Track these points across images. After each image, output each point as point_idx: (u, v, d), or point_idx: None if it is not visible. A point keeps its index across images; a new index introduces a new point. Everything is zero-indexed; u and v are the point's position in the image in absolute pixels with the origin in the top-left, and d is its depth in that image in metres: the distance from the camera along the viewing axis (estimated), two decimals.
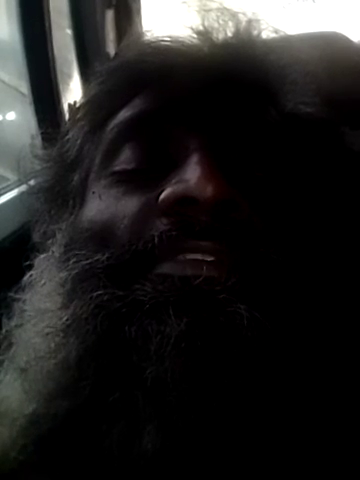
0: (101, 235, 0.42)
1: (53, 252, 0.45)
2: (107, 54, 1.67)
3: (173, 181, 0.42)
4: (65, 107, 1.29)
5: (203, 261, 0.39)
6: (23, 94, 1.29)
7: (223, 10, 0.48)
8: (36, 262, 0.48)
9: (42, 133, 0.57)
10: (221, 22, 0.48)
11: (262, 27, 0.49)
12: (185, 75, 0.45)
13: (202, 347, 0.36)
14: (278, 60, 0.47)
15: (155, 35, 0.49)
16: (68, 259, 0.42)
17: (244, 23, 0.48)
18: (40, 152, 0.54)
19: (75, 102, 0.63)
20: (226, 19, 0.48)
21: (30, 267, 0.48)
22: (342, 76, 0.56)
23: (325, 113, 0.46)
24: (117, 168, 0.45)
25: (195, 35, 0.48)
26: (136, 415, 0.37)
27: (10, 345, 0.44)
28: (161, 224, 0.40)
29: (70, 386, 0.38)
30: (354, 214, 0.47)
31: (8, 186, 0.96)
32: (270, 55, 0.47)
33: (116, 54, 0.66)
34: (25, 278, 0.47)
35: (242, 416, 0.36)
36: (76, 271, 0.41)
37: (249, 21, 0.48)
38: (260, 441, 0.36)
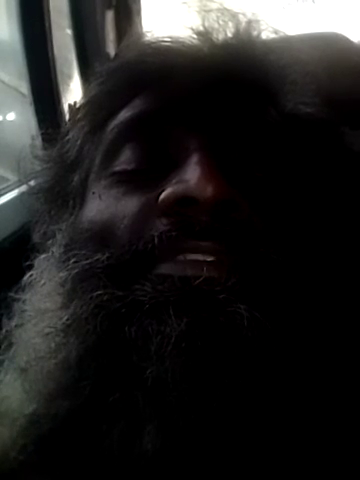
0: (101, 235, 0.42)
1: (53, 252, 0.45)
2: (107, 54, 1.67)
3: (173, 181, 0.42)
4: (65, 107, 1.28)
5: (203, 261, 0.39)
6: (23, 94, 1.29)
7: (223, 11, 0.48)
8: (36, 262, 0.48)
9: (42, 134, 0.57)
10: (221, 23, 0.48)
11: (262, 28, 0.49)
12: (185, 75, 0.45)
13: (202, 347, 0.36)
14: (278, 60, 0.47)
15: (155, 36, 0.49)
16: (68, 259, 0.42)
17: (244, 24, 0.48)
18: (40, 153, 0.55)
19: (75, 102, 0.63)
20: (226, 20, 0.48)
21: (30, 267, 0.48)
22: (342, 76, 0.56)
23: (325, 113, 0.46)
24: (117, 168, 0.45)
25: (195, 35, 0.48)
26: (136, 415, 0.37)
27: (10, 345, 0.44)
28: (161, 224, 0.40)
29: (70, 386, 0.38)
30: (354, 214, 0.47)
31: (8, 186, 0.96)
32: (270, 55, 0.47)
33: (116, 55, 0.66)
34: (25, 278, 0.47)
35: (242, 416, 0.36)
36: (76, 271, 0.41)
37: (249, 22, 0.48)
38: (260, 441, 0.36)
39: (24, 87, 1.27)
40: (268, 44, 0.49)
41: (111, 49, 1.75)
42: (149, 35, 0.50)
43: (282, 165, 0.44)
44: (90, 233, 0.43)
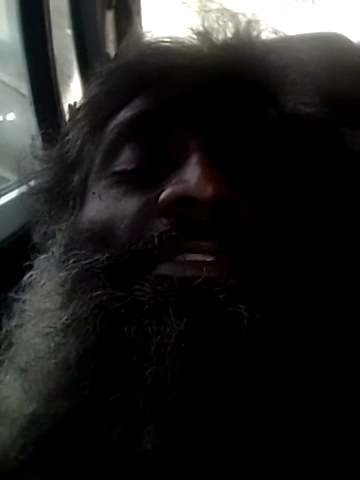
0: (101, 235, 0.42)
1: (53, 252, 0.45)
2: (107, 55, 1.67)
3: (173, 181, 0.42)
4: (65, 108, 1.29)
5: (203, 262, 0.39)
6: (23, 95, 1.29)
7: (223, 11, 0.48)
8: (36, 262, 0.48)
9: (42, 134, 0.57)
10: (221, 23, 0.48)
11: (262, 28, 0.49)
12: (185, 76, 0.45)
13: (202, 347, 0.36)
14: (278, 61, 0.47)
15: (155, 36, 0.49)
16: (68, 259, 0.42)
17: (244, 24, 0.48)
18: (40, 153, 0.55)
19: (75, 103, 0.63)
20: (226, 20, 0.48)
21: (30, 267, 0.48)
22: (342, 76, 0.57)
23: (325, 113, 0.47)
24: (117, 168, 0.45)
25: (195, 36, 0.48)
26: (136, 415, 0.37)
27: (10, 345, 0.44)
28: (161, 224, 0.40)
29: (70, 386, 0.38)
30: (354, 214, 0.47)
31: (8, 187, 0.96)
32: (270, 56, 0.47)
33: (116, 55, 0.66)
34: (25, 278, 0.47)
35: (242, 416, 0.36)
36: (76, 271, 0.41)
37: (249, 22, 0.48)
38: (260, 441, 0.36)
39: (24, 87, 1.27)
40: (268, 44, 0.49)
41: (111, 49, 1.75)
42: (149, 35, 0.50)
43: (282, 165, 0.44)
44: (90, 233, 0.43)
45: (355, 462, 0.38)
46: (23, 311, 0.45)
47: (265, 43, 0.49)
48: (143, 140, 0.45)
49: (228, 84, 0.45)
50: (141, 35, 0.52)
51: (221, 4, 0.49)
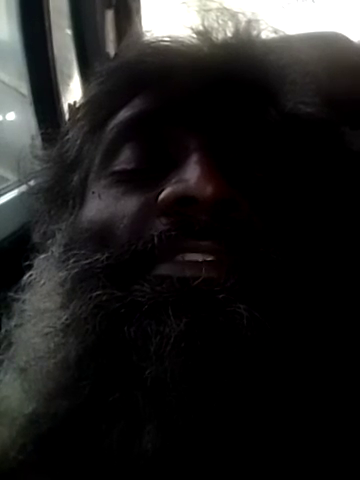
0: (101, 235, 0.42)
1: (53, 252, 0.45)
2: (107, 54, 1.67)
3: (173, 181, 0.42)
4: (65, 107, 1.29)
5: (202, 262, 0.39)
6: (23, 95, 1.29)
7: (223, 10, 0.48)
8: (36, 262, 0.48)
9: (42, 133, 0.57)
10: (221, 22, 0.48)
11: (262, 27, 0.49)
12: (185, 75, 0.45)
13: (202, 347, 0.36)
14: (278, 60, 0.47)
15: (155, 35, 0.49)
16: (68, 259, 0.42)
17: (244, 23, 0.48)
18: (40, 152, 0.54)
19: (75, 102, 0.63)
20: (226, 19, 0.48)
21: (30, 267, 0.48)
22: (342, 76, 0.56)
23: (325, 113, 0.46)
24: (117, 168, 0.45)
25: (195, 35, 0.48)
26: (136, 415, 0.37)
27: (10, 345, 0.44)
28: (161, 224, 0.40)
29: (70, 386, 0.38)
30: (354, 214, 0.47)
31: (8, 186, 0.96)
32: (270, 55, 0.47)
33: (116, 54, 0.66)
34: (25, 278, 0.47)
35: (242, 415, 0.36)
36: (75, 271, 0.41)
37: (249, 21, 0.48)
38: (260, 440, 0.36)
39: (24, 87, 1.27)
40: (268, 44, 0.49)
41: (111, 49, 1.75)
42: (149, 35, 0.50)
43: (282, 165, 0.44)
44: (90, 233, 0.43)
45: (355, 462, 0.38)
46: (23, 311, 0.45)
47: (265, 43, 0.49)
48: (143, 140, 0.45)
49: (228, 84, 0.45)
50: (141, 34, 0.52)
51: (221, 3, 0.48)
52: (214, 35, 0.47)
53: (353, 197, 0.47)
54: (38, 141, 0.57)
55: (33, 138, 0.59)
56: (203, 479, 0.37)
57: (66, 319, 0.40)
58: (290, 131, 0.45)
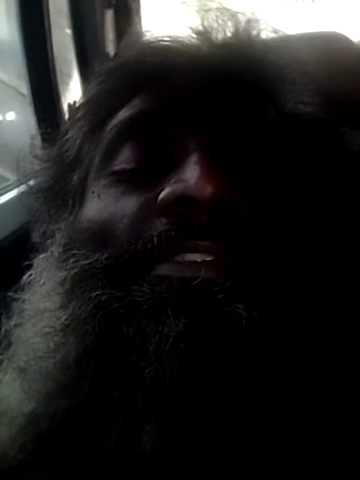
0: (100, 235, 0.42)
1: (52, 252, 0.45)
2: (107, 54, 1.67)
3: (172, 181, 0.42)
4: (65, 107, 1.29)
5: (201, 263, 0.39)
6: (23, 94, 1.29)
7: (222, 10, 0.48)
8: (35, 262, 0.48)
9: (42, 133, 0.57)
10: (220, 22, 0.48)
11: (261, 27, 0.49)
12: (184, 75, 0.45)
13: (201, 347, 0.36)
14: (277, 60, 0.47)
15: (154, 35, 0.49)
16: (67, 259, 0.42)
17: (243, 23, 0.48)
18: (40, 152, 0.54)
19: (75, 102, 0.63)
20: (225, 19, 0.48)
21: (29, 267, 0.48)
22: (341, 76, 0.57)
23: (324, 113, 0.47)
24: (116, 168, 0.45)
25: (194, 35, 0.48)
26: (135, 414, 0.37)
27: (9, 344, 0.44)
28: (160, 224, 0.40)
29: (69, 385, 0.38)
30: (354, 214, 0.47)
31: (8, 186, 0.96)
32: (269, 55, 0.47)
33: (116, 54, 0.66)
34: (24, 278, 0.47)
35: (241, 415, 0.36)
36: (75, 271, 0.41)
37: (248, 21, 0.48)
38: (259, 440, 0.36)
39: (23, 87, 1.27)
40: (267, 44, 0.49)
41: (111, 48, 1.75)
42: (148, 34, 0.50)
43: (282, 165, 0.44)
44: (89, 233, 0.43)
45: (355, 462, 0.38)
46: (22, 310, 0.45)
47: (265, 42, 0.49)
48: (142, 139, 0.45)
49: (228, 83, 0.45)
50: (140, 34, 0.52)
51: (220, 3, 0.48)
52: (214, 35, 0.47)
53: (353, 197, 0.47)
54: (38, 141, 0.57)
55: (33, 138, 0.59)
56: (202, 479, 0.37)
57: (66, 319, 0.40)
58: (290, 131, 0.45)
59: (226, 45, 0.47)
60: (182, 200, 0.40)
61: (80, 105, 0.52)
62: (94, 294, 0.39)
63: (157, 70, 0.46)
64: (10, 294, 0.47)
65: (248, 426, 0.36)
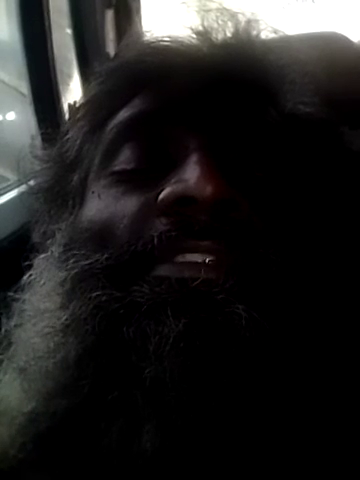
0: (100, 235, 0.42)
1: (52, 252, 0.45)
2: (107, 54, 1.67)
3: (172, 181, 0.42)
4: (65, 107, 1.29)
5: (201, 263, 0.39)
6: (23, 94, 1.29)
7: (222, 10, 0.48)
8: (36, 262, 0.48)
9: (42, 133, 0.57)
10: (220, 22, 0.48)
11: (261, 27, 0.49)
12: (184, 75, 0.45)
13: (200, 347, 0.36)
14: (277, 60, 0.47)
15: (155, 35, 0.49)
16: (67, 259, 0.42)
17: (243, 23, 0.48)
18: (40, 152, 0.54)
19: (75, 102, 0.63)
20: (225, 19, 0.48)
21: (30, 267, 0.48)
22: (341, 76, 0.57)
23: (324, 113, 0.47)
24: (117, 168, 0.45)
25: (194, 35, 0.48)
26: (135, 414, 0.37)
27: (9, 344, 0.44)
28: (160, 224, 0.40)
29: (69, 385, 0.38)
30: (354, 214, 0.47)
31: (8, 186, 0.96)
32: (269, 55, 0.47)
33: (116, 54, 0.66)
34: (25, 278, 0.47)
35: (241, 415, 0.36)
36: (75, 271, 0.41)
37: (248, 21, 0.48)
38: (259, 440, 0.36)
39: (24, 87, 1.27)
40: (267, 44, 0.49)
41: (111, 48, 1.75)
42: (148, 34, 0.50)
43: (282, 165, 0.44)
44: (89, 233, 0.43)
45: (355, 462, 0.38)
46: (23, 311, 0.45)
47: (265, 43, 0.49)
48: (142, 139, 0.45)
49: (227, 84, 0.45)
50: (141, 34, 0.52)
51: (221, 3, 0.49)
52: (214, 35, 0.47)
53: (353, 197, 0.47)
54: (38, 141, 0.57)
55: (33, 138, 0.59)
56: (202, 479, 0.37)
57: (66, 319, 0.40)
58: (290, 131, 0.45)
59: (226, 45, 0.47)
60: (182, 200, 0.40)
61: (80, 105, 0.52)
62: (94, 294, 0.39)
63: (157, 70, 0.46)
64: (10, 294, 0.47)
65: (247, 426, 0.36)
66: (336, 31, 0.68)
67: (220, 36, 0.48)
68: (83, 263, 0.41)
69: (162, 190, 0.41)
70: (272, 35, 0.50)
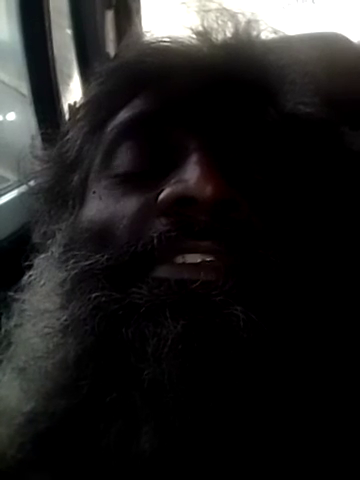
0: (100, 235, 0.42)
1: (53, 252, 0.45)
2: (107, 54, 1.67)
3: (172, 181, 0.42)
4: (65, 107, 1.29)
5: (200, 265, 0.38)
6: (23, 95, 1.29)
7: (222, 11, 0.48)
8: (36, 262, 0.48)
9: (42, 134, 0.57)
10: (220, 23, 0.48)
11: (261, 28, 0.49)
12: (184, 75, 0.45)
13: (199, 349, 0.36)
14: (277, 60, 0.47)
15: (155, 35, 0.49)
16: (67, 259, 0.42)
17: (243, 24, 0.48)
18: (40, 153, 0.54)
19: (75, 102, 0.63)
20: (225, 20, 0.48)
21: (30, 267, 0.48)
22: (341, 76, 0.56)
23: (324, 113, 0.46)
24: (117, 168, 0.45)
25: (194, 35, 0.48)
26: (133, 415, 0.37)
27: (9, 345, 0.44)
28: (160, 224, 0.40)
29: (68, 385, 0.38)
30: (354, 215, 0.47)
31: (8, 187, 0.96)
32: (269, 55, 0.47)
33: (116, 54, 0.66)
34: (25, 278, 0.47)
35: (239, 417, 0.36)
36: (75, 272, 0.41)
37: (248, 22, 0.48)
38: (257, 442, 0.36)
39: (24, 87, 1.27)
40: (267, 44, 0.49)
41: (111, 49, 1.75)
42: (149, 35, 0.50)
43: (282, 165, 0.44)
44: (90, 233, 0.43)
45: (355, 462, 0.38)
46: (22, 311, 0.45)
47: (265, 43, 0.49)
48: (143, 140, 0.45)
49: (227, 84, 0.45)
50: (141, 35, 0.52)
51: (220, 4, 0.48)
52: (214, 35, 0.47)
53: (353, 197, 0.47)
54: (38, 141, 0.57)
55: (33, 138, 0.59)
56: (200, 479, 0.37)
57: (65, 320, 0.40)
58: (290, 131, 0.45)
59: (226, 46, 0.47)
60: (182, 200, 0.40)
61: (80, 105, 0.52)
62: (94, 295, 0.39)
63: (157, 71, 0.46)
64: (10, 294, 0.47)
65: (246, 427, 0.36)
66: (336, 31, 0.68)
67: (220, 36, 0.48)
68: (83, 264, 0.41)
69: (162, 190, 0.41)
70: (272, 35, 0.50)
